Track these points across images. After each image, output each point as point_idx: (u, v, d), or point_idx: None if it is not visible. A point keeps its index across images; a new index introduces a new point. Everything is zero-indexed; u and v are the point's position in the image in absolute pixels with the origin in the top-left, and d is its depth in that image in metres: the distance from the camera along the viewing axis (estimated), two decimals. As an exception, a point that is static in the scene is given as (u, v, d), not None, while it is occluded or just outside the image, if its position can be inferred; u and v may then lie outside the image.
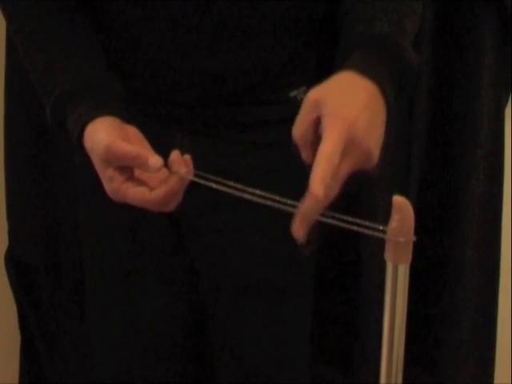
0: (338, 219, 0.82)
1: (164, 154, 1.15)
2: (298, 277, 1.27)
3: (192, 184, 1.17)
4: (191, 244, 1.24)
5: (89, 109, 1.02)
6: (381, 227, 0.77)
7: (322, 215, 0.85)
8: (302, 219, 0.86)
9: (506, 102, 1.53)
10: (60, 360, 1.57)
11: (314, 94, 0.90)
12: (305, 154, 0.90)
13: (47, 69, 1.08)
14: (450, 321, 1.54)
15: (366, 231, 0.79)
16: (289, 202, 0.87)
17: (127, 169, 0.97)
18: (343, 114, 0.86)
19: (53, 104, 1.05)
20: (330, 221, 0.82)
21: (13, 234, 1.54)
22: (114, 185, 0.98)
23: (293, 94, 1.18)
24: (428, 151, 1.50)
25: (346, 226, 0.81)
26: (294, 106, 1.18)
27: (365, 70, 0.92)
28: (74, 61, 1.08)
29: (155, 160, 0.94)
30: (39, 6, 1.10)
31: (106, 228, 1.25)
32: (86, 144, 1.01)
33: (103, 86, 1.06)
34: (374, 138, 0.89)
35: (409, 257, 0.76)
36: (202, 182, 0.93)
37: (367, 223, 0.78)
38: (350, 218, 0.81)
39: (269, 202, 0.87)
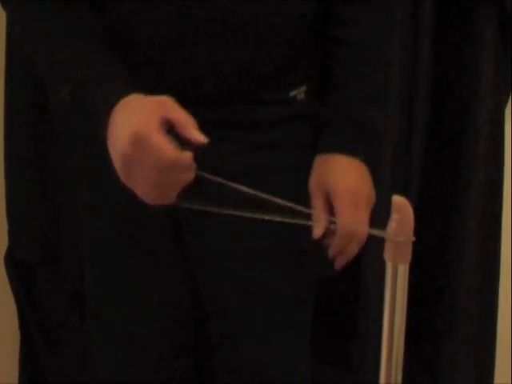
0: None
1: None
2: (298, 276, 1.27)
3: (189, 185, 1.17)
4: (191, 244, 1.24)
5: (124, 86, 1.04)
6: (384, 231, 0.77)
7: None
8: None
9: (506, 101, 1.53)
10: (60, 360, 1.57)
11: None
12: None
13: (67, 55, 1.08)
14: (450, 321, 1.54)
15: (366, 231, 0.79)
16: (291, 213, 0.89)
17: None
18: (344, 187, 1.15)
19: (79, 83, 1.05)
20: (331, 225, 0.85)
21: (13, 233, 1.54)
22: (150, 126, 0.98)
23: (292, 93, 1.18)
24: (428, 151, 1.50)
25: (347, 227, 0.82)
26: (294, 106, 1.19)
27: (349, 152, 1.17)
28: (95, 51, 1.09)
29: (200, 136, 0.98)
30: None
31: (106, 228, 1.25)
32: (121, 106, 1.01)
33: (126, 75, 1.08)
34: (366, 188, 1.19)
35: (408, 257, 0.76)
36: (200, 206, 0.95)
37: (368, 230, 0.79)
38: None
39: (277, 218, 0.88)
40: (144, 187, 1.02)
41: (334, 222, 1.07)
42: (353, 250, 1.16)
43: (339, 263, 1.17)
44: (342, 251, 1.16)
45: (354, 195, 1.15)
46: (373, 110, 1.21)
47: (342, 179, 1.16)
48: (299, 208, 0.92)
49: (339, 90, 1.19)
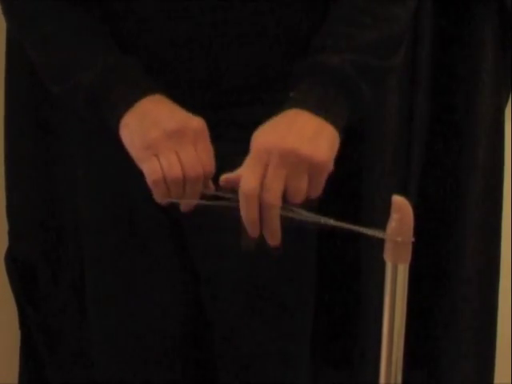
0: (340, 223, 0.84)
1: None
2: (299, 277, 1.27)
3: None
4: (192, 243, 1.24)
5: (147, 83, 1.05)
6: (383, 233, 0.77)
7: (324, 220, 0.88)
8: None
9: (506, 102, 1.53)
10: (60, 360, 1.57)
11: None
12: None
13: (87, 42, 1.09)
14: (450, 321, 1.54)
15: (365, 231, 0.79)
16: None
17: None
18: (260, 141, 0.97)
19: (102, 70, 1.05)
20: (331, 223, 0.85)
21: (13, 233, 1.54)
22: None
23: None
24: (428, 151, 1.50)
25: (346, 227, 0.82)
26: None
27: (313, 107, 1.00)
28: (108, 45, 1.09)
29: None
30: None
31: (107, 228, 1.25)
32: (149, 101, 1.02)
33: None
34: (308, 146, 0.96)
35: (408, 257, 0.76)
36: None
37: (367, 230, 0.79)
38: (351, 226, 0.82)
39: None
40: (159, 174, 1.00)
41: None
42: (268, 217, 0.95)
43: (267, 236, 0.97)
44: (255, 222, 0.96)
45: (268, 153, 0.95)
46: (346, 63, 1.05)
47: (267, 131, 0.99)
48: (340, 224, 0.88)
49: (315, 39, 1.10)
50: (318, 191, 0.99)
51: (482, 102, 1.47)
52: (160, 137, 0.99)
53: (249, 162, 0.97)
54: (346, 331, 1.51)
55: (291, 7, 1.13)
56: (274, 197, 0.94)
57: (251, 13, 1.10)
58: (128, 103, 1.03)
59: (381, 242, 0.78)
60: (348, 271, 1.48)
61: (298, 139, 0.97)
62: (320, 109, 1.00)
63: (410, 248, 0.76)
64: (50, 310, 1.55)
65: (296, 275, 1.27)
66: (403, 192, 0.81)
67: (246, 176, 0.95)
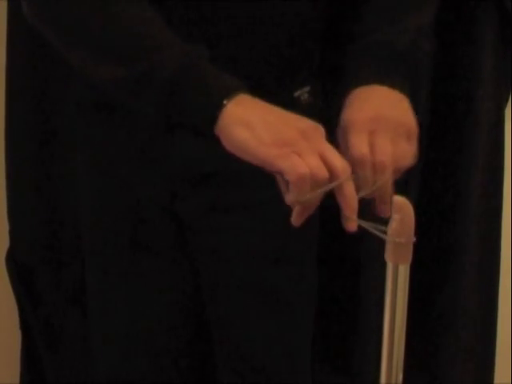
0: None
1: (164, 153, 1.15)
2: (299, 277, 1.27)
3: (193, 185, 1.17)
4: (193, 244, 1.24)
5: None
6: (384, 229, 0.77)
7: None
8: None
9: (506, 101, 1.53)
10: (61, 360, 1.57)
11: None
12: None
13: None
14: (450, 321, 1.54)
15: (368, 224, 0.80)
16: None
17: None
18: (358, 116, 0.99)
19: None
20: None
21: (13, 234, 1.54)
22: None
23: (296, 94, 1.18)
24: (428, 151, 1.50)
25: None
26: (298, 107, 1.19)
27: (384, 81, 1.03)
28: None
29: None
30: None
31: (108, 228, 1.25)
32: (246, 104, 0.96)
33: None
34: (396, 110, 1.01)
35: (409, 257, 0.76)
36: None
37: (370, 223, 0.79)
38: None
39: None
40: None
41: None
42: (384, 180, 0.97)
43: (379, 205, 0.97)
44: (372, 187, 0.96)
45: (371, 122, 0.98)
46: (406, 37, 1.10)
47: (358, 108, 1.01)
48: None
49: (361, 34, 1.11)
50: (412, 159, 1.01)
51: (482, 101, 1.47)
52: (296, 135, 0.92)
53: (352, 134, 0.98)
54: (346, 331, 1.51)
55: (294, 7, 1.12)
56: (388, 158, 0.97)
57: (255, 13, 1.09)
58: (229, 90, 0.95)
59: (382, 242, 0.78)
60: (348, 271, 1.48)
61: (393, 107, 1.02)
62: (395, 85, 1.04)
63: (410, 248, 0.76)
64: (51, 311, 1.55)
65: (297, 275, 1.27)
66: (403, 192, 0.81)
67: (356, 143, 0.96)
